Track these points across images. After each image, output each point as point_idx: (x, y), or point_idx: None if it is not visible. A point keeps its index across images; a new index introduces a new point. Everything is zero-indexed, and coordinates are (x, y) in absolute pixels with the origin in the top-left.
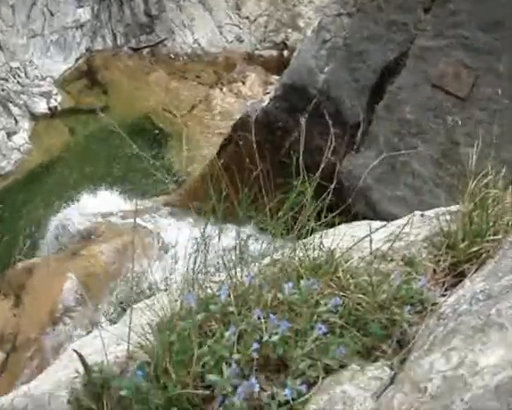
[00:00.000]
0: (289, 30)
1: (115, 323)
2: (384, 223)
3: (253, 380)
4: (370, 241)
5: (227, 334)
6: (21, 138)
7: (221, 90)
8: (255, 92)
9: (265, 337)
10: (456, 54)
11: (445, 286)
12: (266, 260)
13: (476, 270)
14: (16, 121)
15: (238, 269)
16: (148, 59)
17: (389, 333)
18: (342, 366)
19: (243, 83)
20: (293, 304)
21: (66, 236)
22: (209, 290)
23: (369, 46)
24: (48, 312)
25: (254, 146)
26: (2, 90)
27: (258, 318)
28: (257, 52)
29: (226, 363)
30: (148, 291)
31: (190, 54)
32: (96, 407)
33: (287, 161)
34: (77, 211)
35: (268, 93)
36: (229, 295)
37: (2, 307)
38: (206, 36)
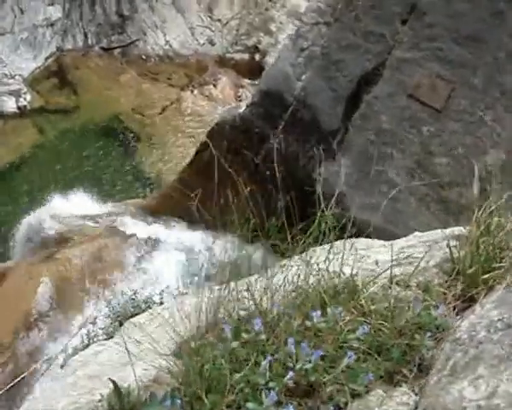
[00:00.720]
0: (261, 34)
1: (111, 337)
2: (383, 243)
3: (291, 407)
4: (391, 268)
5: (263, 363)
6: None
7: (192, 92)
8: (226, 95)
9: (298, 365)
10: (431, 66)
11: (456, 311)
12: (289, 287)
13: (485, 295)
14: None
15: (264, 298)
16: (120, 59)
17: (409, 358)
18: (367, 391)
19: (214, 86)
20: (320, 331)
21: (37, 238)
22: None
23: (347, 56)
24: (22, 316)
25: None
26: None
27: (291, 345)
28: (228, 55)
29: (263, 391)
30: (143, 305)
31: (162, 55)
32: None
33: (262, 167)
34: (48, 213)
35: (239, 96)
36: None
37: None
38: (177, 38)
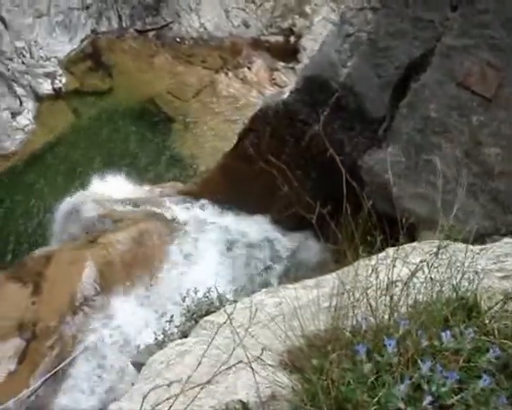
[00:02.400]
0: (296, 16)
1: (186, 336)
2: (472, 248)
3: None
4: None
5: (402, 386)
6: (25, 119)
7: (226, 75)
8: (261, 78)
9: (433, 388)
10: (482, 53)
11: None
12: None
13: None
14: (21, 102)
15: (386, 314)
16: (154, 42)
17: None
18: None
19: (249, 68)
20: (446, 351)
21: (78, 222)
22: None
23: (394, 42)
24: (67, 300)
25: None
26: (8, 69)
27: (425, 368)
28: (263, 37)
29: None
30: (217, 303)
31: (196, 38)
32: None
33: (306, 154)
34: (88, 196)
35: (274, 79)
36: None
37: (21, 295)
38: (212, 20)
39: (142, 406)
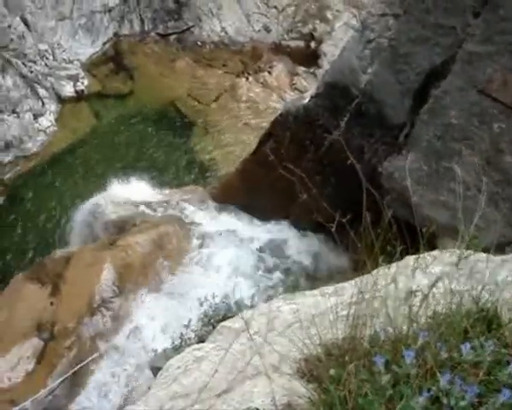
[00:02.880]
0: (317, 21)
1: (203, 341)
2: (502, 257)
3: None
4: None
5: (420, 399)
6: (47, 121)
7: (247, 79)
8: (281, 83)
9: (452, 402)
10: (504, 60)
11: None
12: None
13: None
14: (43, 103)
15: (405, 325)
16: (175, 46)
17: None
18: None
19: (269, 73)
20: (465, 363)
21: (97, 224)
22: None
23: (415, 48)
24: (85, 302)
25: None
26: (31, 72)
27: (444, 381)
28: (284, 42)
29: None
30: (234, 308)
31: (217, 42)
32: None
33: (326, 160)
34: (108, 198)
35: (294, 84)
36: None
37: (40, 295)
38: (233, 25)
39: None
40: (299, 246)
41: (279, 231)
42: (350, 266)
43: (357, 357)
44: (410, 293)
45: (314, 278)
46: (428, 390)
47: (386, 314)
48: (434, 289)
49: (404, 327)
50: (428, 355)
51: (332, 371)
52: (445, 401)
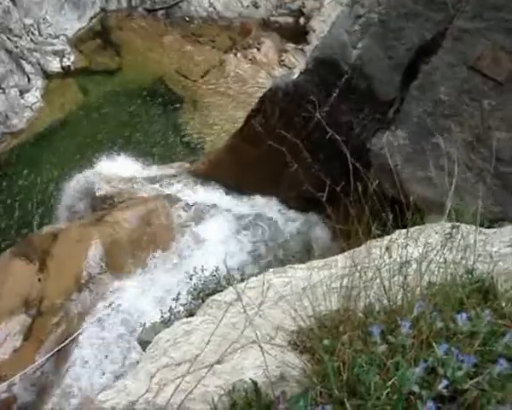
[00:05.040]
0: None
1: (192, 315)
2: (494, 230)
3: None
4: None
5: (417, 370)
6: (34, 97)
7: (235, 55)
8: (270, 59)
9: (449, 372)
10: (495, 37)
11: None
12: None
13: None
14: (29, 79)
15: (399, 295)
16: (163, 21)
17: None
18: None
19: (258, 49)
20: (461, 334)
21: (86, 200)
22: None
23: (406, 24)
24: (73, 278)
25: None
26: (16, 47)
27: (441, 351)
28: (272, 18)
29: (414, 398)
30: (224, 282)
31: (205, 17)
32: None
33: (315, 136)
34: (96, 175)
35: (283, 61)
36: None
37: (27, 272)
38: (221, 0)
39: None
40: (287, 221)
41: (266, 206)
42: (339, 241)
43: (352, 328)
44: (404, 263)
45: (303, 253)
46: (425, 361)
47: (380, 285)
48: (428, 259)
49: (399, 297)
50: (424, 326)
51: (326, 342)
52: (441, 371)
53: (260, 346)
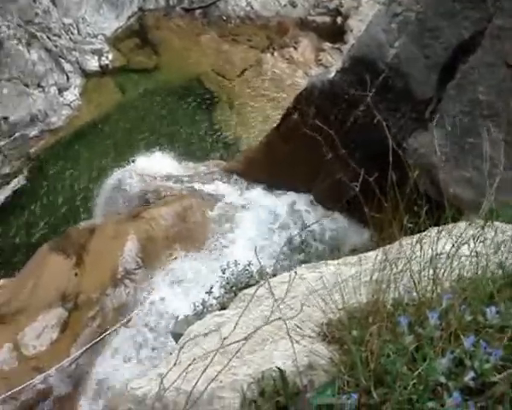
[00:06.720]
0: None
1: (224, 308)
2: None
3: (473, 408)
4: None
5: (443, 360)
6: (72, 95)
7: (272, 54)
8: (307, 58)
9: (476, 364)
10: None
11: None
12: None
13: None
14: (68, 78)
15: (429, 287)
16: (200, 20)
17: None
18: None
19: (295, 48)
20: (491, 328)
21: (122, 197)
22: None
23: (443, 23)
24: (109, 273)
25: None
26: (55, 46)
27: (469, 343)
28: (310, 18)
29: (440, 389)
30: (257, 276)
31: (243, 17)
32: None
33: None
34: (133, 172)
35: (320, 60)
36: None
37: (64, 266)
38: None
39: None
40: (320, 219)
41: (300, 204)
42: (372, 240)
43: (381, 319)
44: (435, 256)
45: (336, 251)
46: (452, 352)
47: (410, 277)
48: (459, 253)
49: (429, 289)
50: (452, 318)
51: (354, 333)
52: (468, 363)
53: (290, 335)
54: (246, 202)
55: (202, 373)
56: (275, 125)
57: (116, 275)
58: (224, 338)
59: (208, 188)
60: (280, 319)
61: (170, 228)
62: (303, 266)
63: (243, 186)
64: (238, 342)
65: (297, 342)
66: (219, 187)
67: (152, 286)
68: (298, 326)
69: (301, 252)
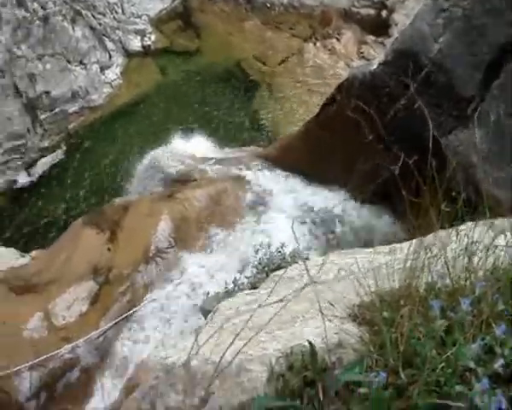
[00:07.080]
0: None
1: (255, 288)
2: None
3: (501, 396)
4: None
5: (473, 346)
6: (113, 73)
7: (315, 44)
8: (349, 50)
9: (506, 352)
10: None
11: None
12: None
13: None
14: (110, 56)
15: (463, 275)
16: (244, 6)
17: None
18: None
19: (338, 40)
20: None
21: (158, 176)
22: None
23: (490, 20)
24: (141, 250)
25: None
26: (99, 24)
27: (500, 331)
28: (354, 9)
29: (469, 375)
30: (289, 258)
31: (287, 4)
32: (304, 393)
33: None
34: (169, 153)
35: (362, 53)
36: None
37: (98, 241)
38: None
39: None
40: (356, 213)
41: (335, 193)
42: (405, 233)
43: (412, 302)
44: (471, 244)
45: (368, 242)
46: (482, 339)
47: (444, 263)
48: (496, 243)
49: (462, 276)
50: (485, 306)
51: (385, 314)
52: (499, 350)
53: (322, 312)
54: (280, 189)
55: (231, 344)
56: (314, 113)
57: (148, 253)
58: (251, 315)
59: (243, 173)
60: (315, 283)
61: (203, 210)
62: (335, 252)
63: (279, 173)
64: (273, 303)
65: (329, 320)
66: (255, 173)
67: (183, 265)
68: (331, 304)
69: (334, 240)
